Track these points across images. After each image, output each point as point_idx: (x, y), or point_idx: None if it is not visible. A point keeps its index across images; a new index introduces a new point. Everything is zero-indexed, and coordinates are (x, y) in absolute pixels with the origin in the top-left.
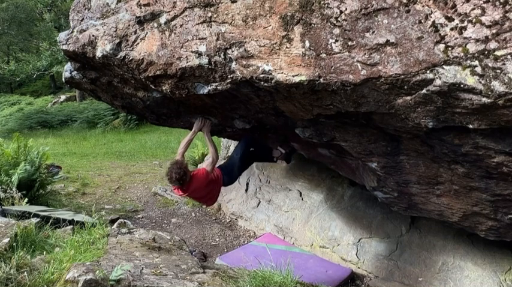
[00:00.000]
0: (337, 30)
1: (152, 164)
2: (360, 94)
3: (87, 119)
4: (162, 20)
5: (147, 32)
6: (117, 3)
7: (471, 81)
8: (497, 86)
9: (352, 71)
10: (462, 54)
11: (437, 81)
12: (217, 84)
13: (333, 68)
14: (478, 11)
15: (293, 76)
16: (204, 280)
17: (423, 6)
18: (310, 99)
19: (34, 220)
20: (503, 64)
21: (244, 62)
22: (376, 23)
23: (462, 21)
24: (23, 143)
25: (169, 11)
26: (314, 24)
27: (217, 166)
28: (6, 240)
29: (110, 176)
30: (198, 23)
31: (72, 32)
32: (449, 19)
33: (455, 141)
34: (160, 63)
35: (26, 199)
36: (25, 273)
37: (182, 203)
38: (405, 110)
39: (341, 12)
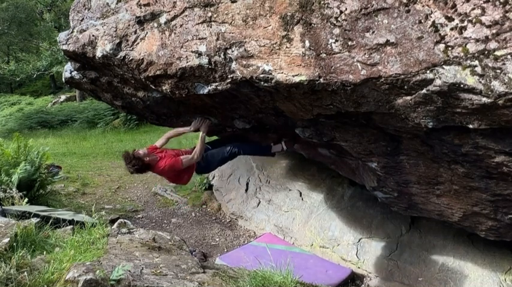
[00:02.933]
0: (337, 30)
1: None
2: (360, 94)
3: (87, 119)
4: (162, 20)
5: (147, 32)
6: (117, 3)
7: (471, 81)
8: (497, 86)
9: (352, 71)
10: (462, 54)
11: (437, 81)
12: (217, 84)
13: (333, 68)
14: (478, 11)
15: (293, 76)
16: (204, 280)
17: (423, 6)
18: (310, 99)
19: (34, 220)
20: (503, 64)
21: (244, 62)
22: (376, 23)
23: (462, 21)
24: (23, 143)
25: (169, 11)
26: (314, 24)
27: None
28: (6, 240)
29: (110, 176)
30: (198, 23)
31: (72, 32)
32: (449, 19)
33: (455, 141)
34: (160, 63)
35: (26, 199)
36: (25, 273)
37: (182, 203)
38: (405, 110)
39: (341, 12)
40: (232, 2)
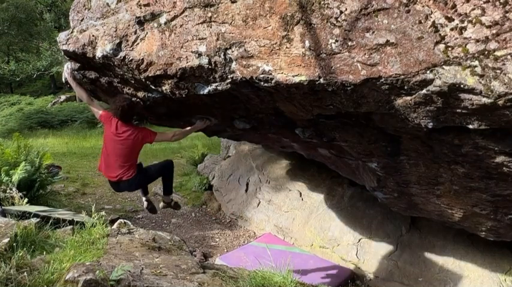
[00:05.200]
0: (337, 31)
1: None
2: (360, 94)
3: (87, 119)
4: (162, 20)
5: (147, 32)
6: (117, 3)
7: (471, 81)
8: (497, 86)
9: (352, 71)
10: (462, 54)
11: (437, 82)
12: (217, 84)
13: (333, 68)
14: (478, 11)
15: (293, 76)
16: (204, 280)
17: (423, 6)
18: (310, 100)
19: (34, 220)
20: (503, 64)
21: (244, 62)
22: (376, 23)
23: (462, 21)
24: (23, 143)
25: (169, 11)
26: (314, 24)
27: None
28: (6, 240)
29: None
30: (198, 23)
31: (72, 32)
32: (449, 19)
33: (455, 142)
34: (160, 64)
35: (26, 199)
36: (25, 273)
37: (182, 203)
38: (405, 110)
39: (341, 12)
40: (232, 2)
